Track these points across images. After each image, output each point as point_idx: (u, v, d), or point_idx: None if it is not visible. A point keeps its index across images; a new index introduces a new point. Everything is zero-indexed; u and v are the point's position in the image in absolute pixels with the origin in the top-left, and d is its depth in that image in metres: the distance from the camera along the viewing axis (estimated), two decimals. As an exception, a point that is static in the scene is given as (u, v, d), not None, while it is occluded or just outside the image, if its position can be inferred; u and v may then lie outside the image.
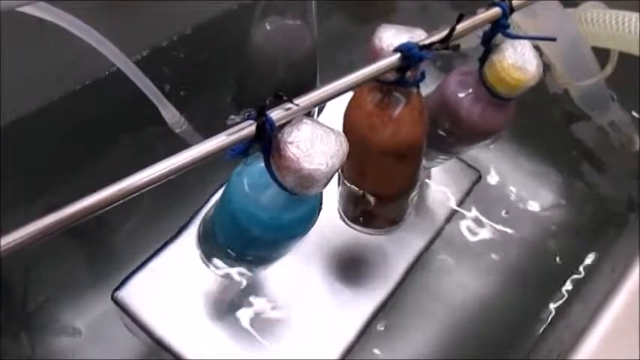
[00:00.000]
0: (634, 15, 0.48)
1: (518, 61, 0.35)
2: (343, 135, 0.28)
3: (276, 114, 0.26)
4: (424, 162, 0.42)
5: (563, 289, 0.52)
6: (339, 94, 0.28)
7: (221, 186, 0.43)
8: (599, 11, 0.50)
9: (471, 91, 0.39)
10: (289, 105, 0.27)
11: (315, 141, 0.27)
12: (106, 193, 0.23)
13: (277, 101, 0.27)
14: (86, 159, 0.53)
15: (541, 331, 0.50)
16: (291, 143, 0.26)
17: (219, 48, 0.60)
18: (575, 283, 0.52)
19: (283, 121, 0.27)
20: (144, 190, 0.24)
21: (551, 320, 0.50)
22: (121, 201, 0.23)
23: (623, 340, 0.36)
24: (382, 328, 0.48)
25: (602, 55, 0.53)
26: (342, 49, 0.62)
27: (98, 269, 0.49)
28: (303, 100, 0.27)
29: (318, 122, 0.28)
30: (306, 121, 0.27)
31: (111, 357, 0.45)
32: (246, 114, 0.26)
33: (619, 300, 0.37)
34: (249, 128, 0.26)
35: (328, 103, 0.29)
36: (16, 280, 0.47)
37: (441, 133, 0.41)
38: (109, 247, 0.50)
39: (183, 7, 0.57)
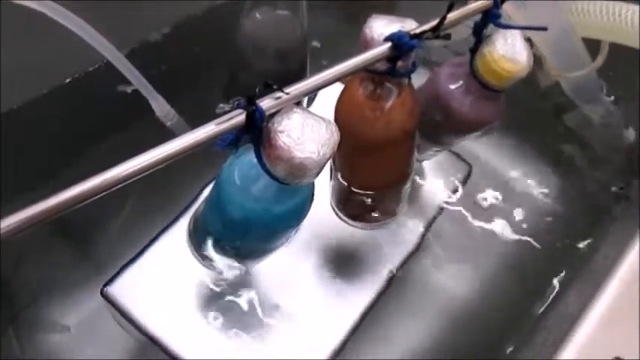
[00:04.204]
0: (625, 5, 0.48)
1: (509, 52, 0.35)
2: (334, 124, 0.28)
3: (265, 103, 0.26)
4: (417, 154, 0.42)
5: (557, 278, 0.52)
6: (329, 83, 0.28)
7: (211, 181, 0.43)
8: (589, 2, 0.50)
9: (461, 82, 0.38)
10: (279, 94, 0.26)
11: (306, 129, 0.26)
12: (92, 183, 0.23)
13: (267, 90, 0.26)
14: (76, 151, 0.52)
15: (536, 317, 0.50)
16: (281, 132, 0.26)
17: (210, 40, 0.60)
18: (569, 271, 0.52)
19: (273, 110, 0.26)
20: (132, 180, 0.23)
21: (545, 309, 0.50)
22: (108, 191, 0.23)
23: (616, 326, 0.36)
24: (375, 323, 0.48)
25: (593, 46, 0.53)
26: (335, 42, 0.61)
27: (87, 265, 0.49)
28: (293, 89, 0.27)
29: (309, 111, 0.27)
30: (297, 109, 0.27)
31: (101, 354, 0.45)
32: (236, 103, 0.25)
33: (612, 287, 0.37)
34: (238, 117, 0.25)
35: (319, 95, 0.29)
36: (4, 277, 0.46)
37: (433, 124, 0.40)
38: (98, 243, 0.49)
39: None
